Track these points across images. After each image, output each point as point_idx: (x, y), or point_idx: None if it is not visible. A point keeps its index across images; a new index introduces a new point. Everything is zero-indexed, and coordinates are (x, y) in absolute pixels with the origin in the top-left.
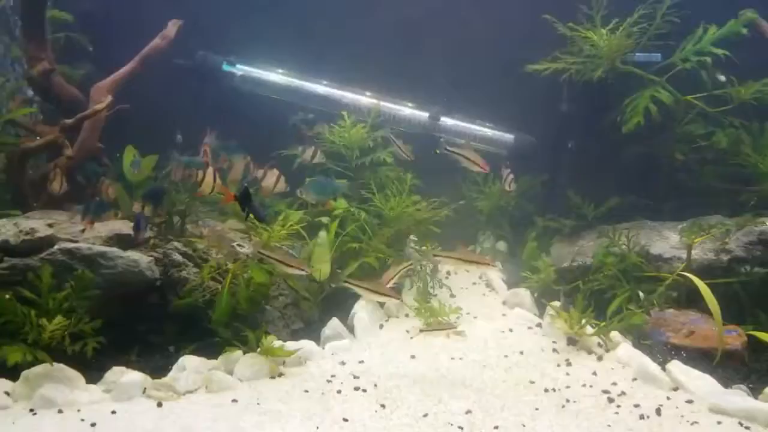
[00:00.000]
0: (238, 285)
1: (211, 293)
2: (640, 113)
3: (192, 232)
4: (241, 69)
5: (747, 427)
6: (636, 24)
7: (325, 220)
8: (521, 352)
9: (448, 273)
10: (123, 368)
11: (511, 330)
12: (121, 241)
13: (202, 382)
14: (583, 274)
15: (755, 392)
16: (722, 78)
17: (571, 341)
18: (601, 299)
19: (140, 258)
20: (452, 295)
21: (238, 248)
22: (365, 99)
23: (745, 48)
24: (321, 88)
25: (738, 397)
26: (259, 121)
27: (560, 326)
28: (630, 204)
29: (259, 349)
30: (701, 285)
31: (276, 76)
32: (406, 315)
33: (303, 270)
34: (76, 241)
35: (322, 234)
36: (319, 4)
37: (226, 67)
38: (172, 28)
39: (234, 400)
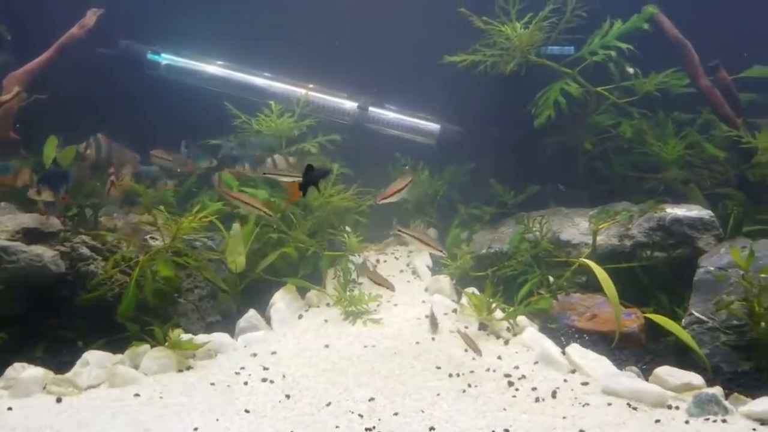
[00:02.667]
0: (145, 278)
1: (120, 287)
2: (550, 106)
3: (105, 224)
4: (166, 58)
5: (634, 408)
6: (546, 18)
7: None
8: (433, 338)
9: (378, 261)
10: (24, 364)
11: (426, 317)
12: (28, 235)
13: (105, 376)
14: (499, 260)
15: (647, 373)
16: (630, 70)
17: (483, 326)
18: (514, 284)
19: (44, 252)
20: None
21: (150, 241)
22: (294, 89)
23: (655, 40)
24: (248, 77)
25: (628, 379)
26: (185, 110)
27: (470, 312)
28: (550, 191)
29: (166, 343)
30: (598, 270)
31: (203, 65)
32: (327, 304)
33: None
34: None
35: (236, 226)
36: None
37: (150, 56)
38: (91, 16)
39: (136, 395)
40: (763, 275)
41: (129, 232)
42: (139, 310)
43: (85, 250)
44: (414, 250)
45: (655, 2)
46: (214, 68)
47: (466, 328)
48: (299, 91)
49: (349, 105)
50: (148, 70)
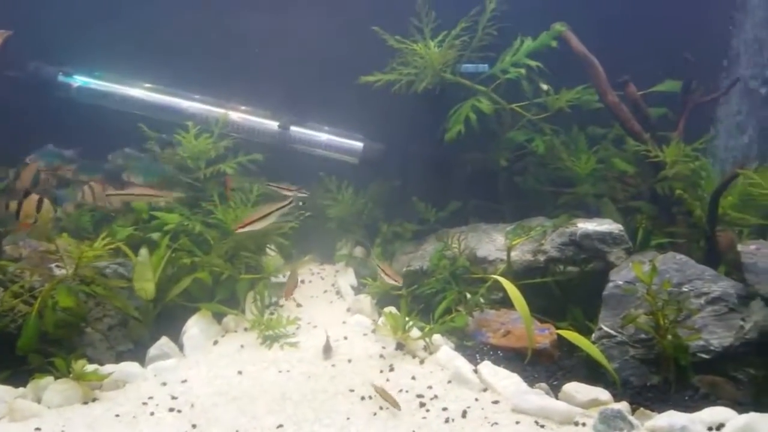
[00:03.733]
0: (47, 309)
1: (23, 318)
2: (460, 122)
3: (9, 253)
4: (77, 80)
5: (542, 426)
6: (458, 37)
7: (156, 235)
8: (349, 360)
9: (302, 281)
10: None
11: (345, 338)
12: None
13: (5, 411)
14: (420, 278)
15: (557, 389)
16: (545, 87)
17: (400, 346)
18: (434, 302)
19: None
20: (299, 305)
21: (56, 269)
22: (213, 108)
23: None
24: (163, 97)
25: (537, 397)
26: (97, 131)
27: (386, 332)
28: (473, 207)
29: (71, 375)
30: (509, 286)
31: (115, 86)
32: (245, 329)
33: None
34: None
35: (143, 251)
36: (161, 13)
37: (61, 78)
38: None
39: (37, 429)
40: (665, 289)
41: (36, 261)
42: (44, 341)
43: None
44: (339, 270)
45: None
46: (128, 89)
47: (384, 348)
48: (219, 111)
49: (271, 124)
50: (58, 92)
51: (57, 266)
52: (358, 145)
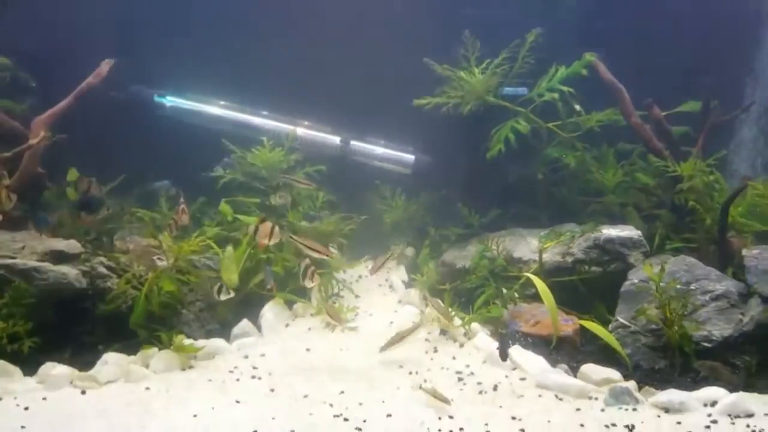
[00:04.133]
0: (153, 293)
1: (132, 300)
2: (501, 141)
3: (119, 247)
4: (171, 101)
5: (561, 399)
6: (500, 66)
7: (238, 234)
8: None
9: (360, 276)
10: (54, 364)
11: (396, 324)
12: (54, 256)
13: (121, 374)
14: (463, 275)
15: (575, 370)
16: (578, 107)
17: (443, 332)
18: (474, 296)
19: (69, 271)
20: (357, 296)
21: (158, 261)
22: (284, 126)
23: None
24: (243, 116)
25: (557, 375)
26: (189, 148)
27: (431, 320)
28: (513, 214)
29: (172, 347)
30: (538, 283)
31: (203, 106)
32: (311, 315)
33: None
34: (15, 257)
35: (229, 249)
36: (243, 41)
37: (157, 99)
38: (104, 66)
39: (147, 388)
40: (673, 286)
41: (140, 254)
42: (149, 319)
43: (102, 269)
44: (391, 267)
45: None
46: (212, 108)
47: (429, 333)
48: (288, 127)
49: (333, 139)
50: (155, 111)
51: (159, 259)
52: (410, 157)
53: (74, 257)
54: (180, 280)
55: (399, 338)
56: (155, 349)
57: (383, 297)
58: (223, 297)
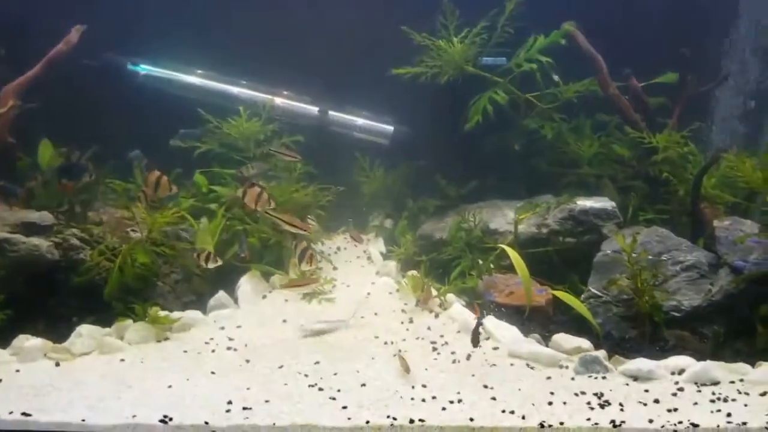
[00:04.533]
0: (126, 265)
1: (106, 272)
2: (479, 113)
3: (92, 219)
4: (145, 68)
5: (532, 367)
6: (479, 35)
7: (213, 206)
8: (375, 314)
9: (338, 248)
10: (28, 336)
11: (373, 295)
12: (26, 228)
13: (95, 346)
14: (440, 246)
15: (548, 339)
16: (556, 78)
17: (419, 303)
18: (451, 267)
19: (41, 243)
20: (335, 268)
21: (132, 233)
22: (261, 95)
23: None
24: (219, 84)
25: (529, 344)
26: (164, 118)
27: (407, 291)
28: (491, 186)
29: (147, 319)
30: (512, 254)
31: (178, 74)
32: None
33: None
34: None
35: (203, 220)
36: (219, 8)
37: (130, 67)
38: (75, 33)
39: (122, 360)
40: (644, 257)
41: (113, 225)
42: (124, 291)
43: (75, 241)
44: (371, 239)
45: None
46: (188, 76)
47: (405, 304)
48: (265, 96)
49: (312, 109)
50: (128, 79)
51: (132, 230)
52: (389, 128)
53: (47, 229)
54: (155, 252)
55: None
56: (130, 321)
57: (361, 269)
58: (210, 265)
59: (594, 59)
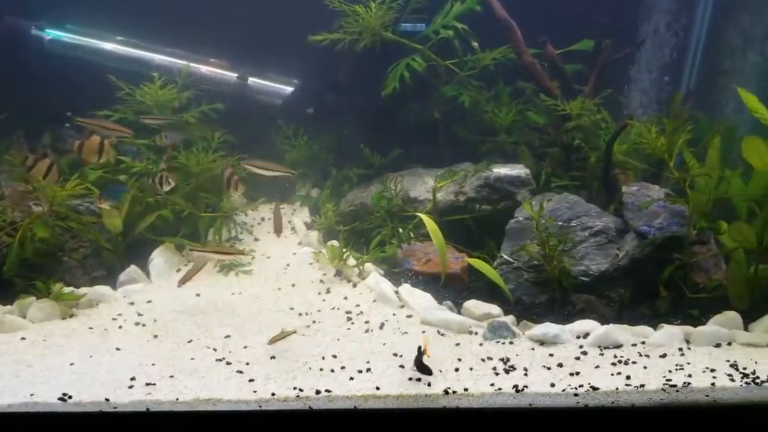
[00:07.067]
0: (26, 240)
1: (6, 248)
2: (396, 79)
3: None
4: (50, 33)
5: (443, 334)
6: (396, 0)
7: (123, 177)
8: (293, 285)
9: (263, 219)
10: None
11: (292, 266)
12: None
13: None
14: (363, 216)
15: (461, 306)
16: (475, 44)
17: (338, 273)
18: (372, 237)
19: None
20: (256, 239)
21: (34, 207)
22: (177, 61)
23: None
24: (131, 50)
25: (441, 311)
26: (74, 87)
27: (325, 261)
28: (415, 154)
29: (51, 295)
30: (428, 222)
31: (87, 39)
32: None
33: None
34: None
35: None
36: None
37: (34, 32)
38: None
39: (23, 338)
40: (552, 223)
41: (16, 199)
42: (27, 267)
43: None
44: (296, 209)
45: None
46: (97, 42)
47: (324, 274)
48: (182, 63)
49: (230, 75)
50: (32, 45)
51: (35, 204)
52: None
53: None
54: (59, 226)
55: (194, 271)
56: (32, 299)
57: (284, 239)
58: (165, 188)
59: (509, 26)
